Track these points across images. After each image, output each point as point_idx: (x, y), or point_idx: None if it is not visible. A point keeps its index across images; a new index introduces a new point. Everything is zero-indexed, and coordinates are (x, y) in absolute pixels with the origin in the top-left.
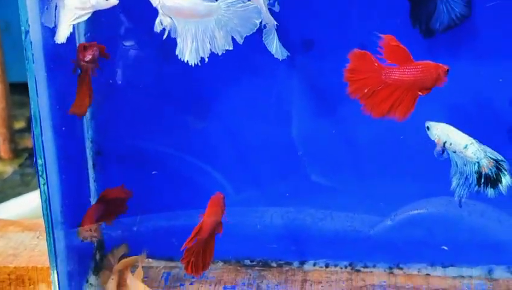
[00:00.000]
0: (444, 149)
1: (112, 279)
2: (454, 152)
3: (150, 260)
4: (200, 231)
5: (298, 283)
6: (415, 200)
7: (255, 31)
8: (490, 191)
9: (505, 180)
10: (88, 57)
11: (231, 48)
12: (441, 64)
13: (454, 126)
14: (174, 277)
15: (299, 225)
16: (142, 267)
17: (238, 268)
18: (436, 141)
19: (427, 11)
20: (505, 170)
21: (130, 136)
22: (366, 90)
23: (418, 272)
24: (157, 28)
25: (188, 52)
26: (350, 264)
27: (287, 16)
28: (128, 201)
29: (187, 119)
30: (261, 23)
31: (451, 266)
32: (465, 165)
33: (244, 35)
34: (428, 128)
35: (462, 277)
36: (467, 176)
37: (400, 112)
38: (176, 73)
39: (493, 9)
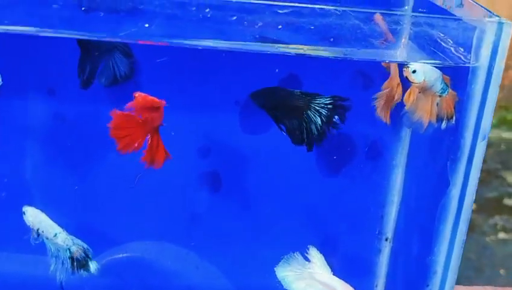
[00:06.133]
0: (39, 233)
1: None
2: (48, 238)
3: None
4: None
5: None
6: (112, 246)
7: None
8: (84, 273)
9: (93, 265)
10: None
11: None
12: None
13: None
14: None
15: None
16: None
17: None
18: (31, 226)
19: (94, 64)
20: (90, 256)
21: None
22: (136, 145)
23: None
24: None
25: None
26: None
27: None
28: None
29: None
30: None
31: None
32: (59, 251)
33: None
34: (24, 213)
35: None
36: (62, 260)
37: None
38: None
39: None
